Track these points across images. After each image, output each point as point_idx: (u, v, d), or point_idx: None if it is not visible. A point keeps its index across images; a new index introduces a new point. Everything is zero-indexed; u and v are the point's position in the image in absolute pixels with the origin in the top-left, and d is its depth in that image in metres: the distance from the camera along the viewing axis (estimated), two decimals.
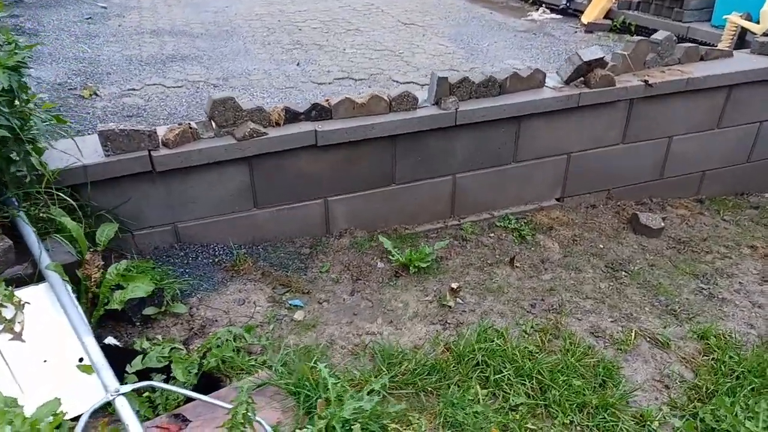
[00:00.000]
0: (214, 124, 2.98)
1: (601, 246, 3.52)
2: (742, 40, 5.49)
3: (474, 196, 3.68)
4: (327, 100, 3.20)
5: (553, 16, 7.83)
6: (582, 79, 3.74)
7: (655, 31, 6.66)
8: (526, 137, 3.61)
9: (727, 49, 4.74)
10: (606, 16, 7.16)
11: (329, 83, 4.55)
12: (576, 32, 7.05)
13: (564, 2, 7.69)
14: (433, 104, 3.35)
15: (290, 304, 2.84)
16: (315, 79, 4.63)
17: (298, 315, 2.77)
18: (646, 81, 4.01)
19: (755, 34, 5.28)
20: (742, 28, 5.37)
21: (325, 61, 5.28)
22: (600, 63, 3.70)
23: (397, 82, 4.72)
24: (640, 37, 4.29)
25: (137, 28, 6.42)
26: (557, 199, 3.95)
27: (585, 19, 7.29)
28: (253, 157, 3.05)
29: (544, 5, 8.38)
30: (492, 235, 3.55)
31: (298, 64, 5.07)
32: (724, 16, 5.48)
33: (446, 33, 6.82)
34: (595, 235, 3.65)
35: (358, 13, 7.67)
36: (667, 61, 4.23)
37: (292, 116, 3.11)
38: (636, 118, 3.89)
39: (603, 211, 3.95)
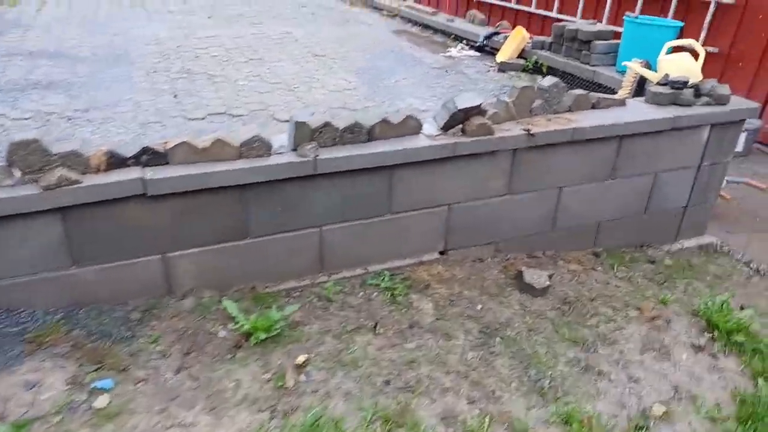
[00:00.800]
0: (17, 170, 2.51)
1: (480, 307, 3.22)
2: (641, 87, 5.48)
3: (345, 251, 3.33)
4: (164, 143, 2.79)
5: (471, 53, 7.76)
6: (461, 126, 3.49)
7: (565, 73, 6.69)
8: (401, 187, 3.30)
9: (620, 97, 4.67)
10: (520, 56, 7.12)
11: (201, 119, 4.17)
12: (489, 71, 6.96)
13: (481, 39, 7.64)
14: (292, 150, 3.01)
15: (94, 387, 2.37)
16: (188, 114, 4.23)
17: (101, 401, 2.30)
18: (527, 131, 3.82)
19: (652, 82, 5.28)
20: (641, 75, 5.36)
21: (208, 93, 4.89)
22: (477, 111, 3.47)
23: (278, 120, 4.38)
24: (524, 84, 4.13)
25: (13, 49, 5.85)
26: (440, 253, 3.66)
27: (499, 57, 7.24)
28: (70, 208, 2.59)
29: (464, 41, 8.33)
30: (361, 294, 3.20)
31: (174, 96, 4.66)
32: (624, 63, 5.48)
33: (356, 67, 6.58)
34: (476, 293, 3.36)
35: (269, 42, 7.35)
36: (556, 109, 4.06)
37: (117, 161, 2.68)
38: (521, 168, 3.67)
39: (490, 266, 3.68)
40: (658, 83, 5.00)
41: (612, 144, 4.07)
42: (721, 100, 4.28)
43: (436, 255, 3.64)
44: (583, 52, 6.22)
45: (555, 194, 3.94)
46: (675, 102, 4.48)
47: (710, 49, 5.88)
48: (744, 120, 4.23)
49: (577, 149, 3.88)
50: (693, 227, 4.40)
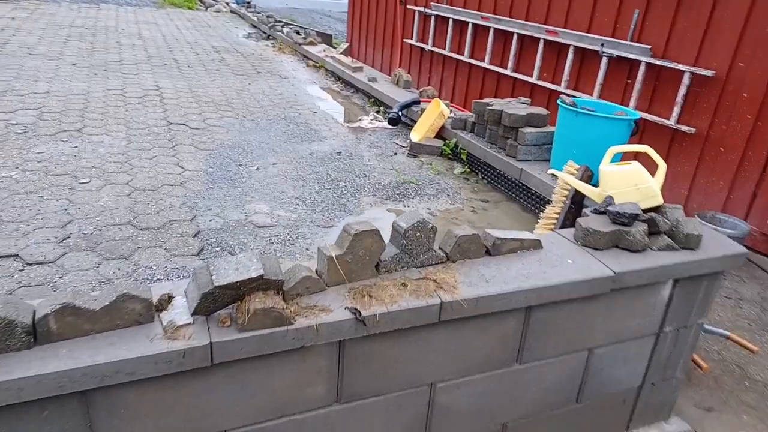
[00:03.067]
0: None
1: None
2: (579, 206, 3.86)
3: None
4: None
5: (385, 125, 6.17)
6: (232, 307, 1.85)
7: (487, 166, 5.07)
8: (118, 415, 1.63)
9: (535, 236, 3.04)
10: (439, 135, 5.54)
11: None
12: (395, 154, 5.34)
13: (395, 110, 6.05)
14: None
15: None
16: None
17: None
18: (356, 312, 2.21)
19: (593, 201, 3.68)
20: (576, 190, 3.76)
21: None
22: (258, 284, 1.84)
23: None
24: (358, 228, 2.50)
25: None
26: None
27: (413, 136, 5.64)
28: None
29: (382, 109, 6.75)
30: None
31: None
32: (550, 171, 3.87)
33: (215, 144, 4.93)
34: None
35: (120, 102, 5.69)
36: (424, 260, 2.45)
37: None
38: (356, 365, 2.04)
39: None
40: (596, 210, 3.39)
41: (515, 317, 2.47)
42: (689, 243, 2.72)
43: None
44: (509, 141, 4.64)
45: (423, 394, 2.29)
46: (619, 244, 2.95)
47: (685, 128, 4.33)
48: (722, 271, 2.66)
49: (454, 330, 2.26)
50: (653, 411, 2.83)
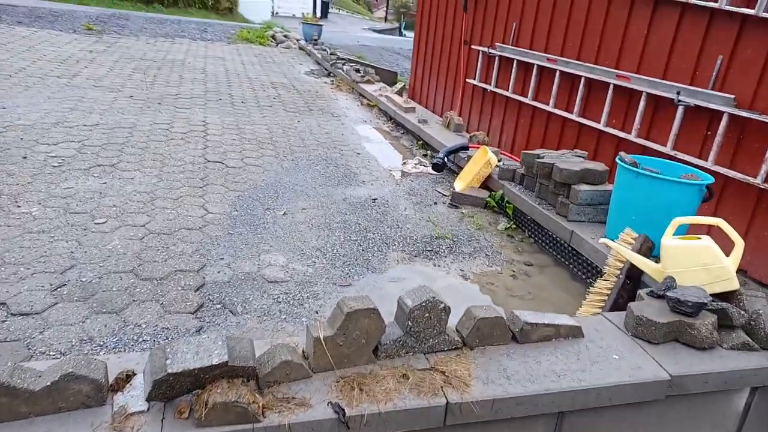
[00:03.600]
0: None
1: None
2: (636, 282, 3.29)
3: None
4: None
5: (430, 171, 5.80)
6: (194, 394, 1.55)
7: (534, 223, 4.53)
8: None
9: (574, 321, 2.54)
10: (485, 185, 5.10)
11: None
12: (435, 203, 4.95)
13: (441, 155, 5.67)
14: None
15: None
16: None
17: None
18: (339, 411, 1.92)
19: (651, 277, 3.12)
20: (631, 264, 3.20)
21: None
22: (224, 371, 1.58)
23: None
24: (353, 306, 2.13)
25: None
26: None
27: (457, 185, 5.24)
28: None
29: (429, 153, 6.41)
30: None
31: None
32: (602, 240, 3.33)
33: (247, 184, 4.75)
34: None
35: (163, 137, 5.66)
36: (433, 345, 2.10)
37: None
38: None
39: None
40: (653, 293, 2.86)
41: (544, 424, 2.07)
42: None
43: None
44: (560, 198, 4.14)
45: None
46: (680, 338, 2.47)
47: None
48: None
49: None
50: None
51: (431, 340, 2.36)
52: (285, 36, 16.90)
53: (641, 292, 2.86)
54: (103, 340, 2.63)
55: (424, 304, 2.29)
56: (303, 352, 2.28)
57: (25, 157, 4.64)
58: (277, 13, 29.02)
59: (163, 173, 4.75)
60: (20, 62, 8.31)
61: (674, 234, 3.04)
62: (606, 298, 3.26)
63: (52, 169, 4.47)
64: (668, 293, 2.68)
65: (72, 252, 3.32)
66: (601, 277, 3.39)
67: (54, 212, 3.77)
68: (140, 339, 2.69)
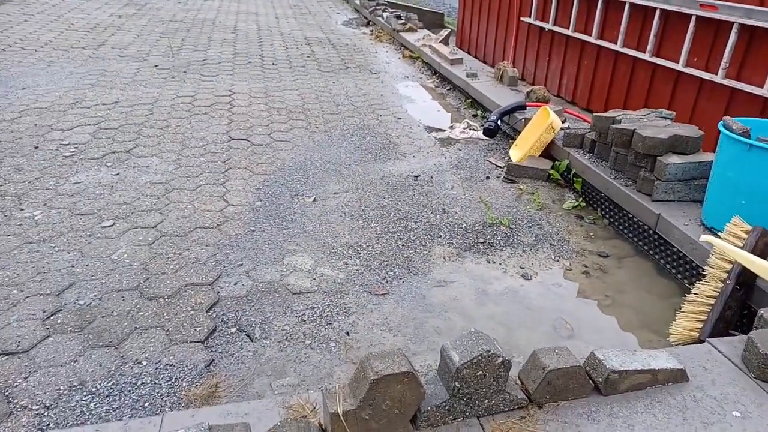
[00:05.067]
0: None
1: None
2: (749, 290, 2.57)
3: None
4: None
5: (480, 136, 5.08)
6: None
7: (610, 203, 3.74)
8: None
9: (668, 366, 1.91)
10: (546, 152, 4.36)
11: None
12: (488, 178, 4.27)
13: (493, 118, 4.91)
14: None
15: None
16: None
17: None
18: None
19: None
20: (743, 266, 2.48)
21: None
22: None
23: None
24: (380, 370, 1.59)
25: None
26: None
27: (513, 153, 4.52)
28: None
29: (479, 113, 5.65)
30: None
31: None
32: (704, 238, 2.60)
33: (273, 166, 4.23)
34: None
35: (187, 113, 5.17)
36: (490, 407, 1.65)
37: None
38: None
39: None
40: None
41: None
42: None
43: None
44: (642, 172, 3.38)
45: None
46: None
47: None
48: None
49: None
50: None
51: (487, 401, 1.81)
52: None
53: (765, 312, 2.18)
54: (95, 386, 2.23)
55: (476, 360, 1.72)
56: (320, 424, 1.78)
57: (36, 147, 4.29)
58: None
59: (181, 157, 4.29)
60: (47, 34, 7.98)
61: None
62: (709, 309, 2.58)
63: (62, 161, 4.10)
64: None
65: (72, 266, 2.93)
66: (701, 279, 2.69)
67: (59, 215, 3.40)
68: (139, 382, 2.27)
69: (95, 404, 2.16)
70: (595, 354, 1.96)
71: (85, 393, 2.20)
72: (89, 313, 2.62)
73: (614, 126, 3.54)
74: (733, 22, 3.66)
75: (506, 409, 1.84)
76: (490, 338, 1.81)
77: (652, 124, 3.52)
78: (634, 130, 3.39)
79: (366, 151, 4.67)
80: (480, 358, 1.73)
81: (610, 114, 3.78)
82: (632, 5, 4.59)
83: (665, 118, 3.64)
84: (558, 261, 3.28)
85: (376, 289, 2.97)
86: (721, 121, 2.89)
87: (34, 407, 2.13)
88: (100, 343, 2.45)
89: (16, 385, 2.21)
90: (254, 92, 5.99)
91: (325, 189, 3.98)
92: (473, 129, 5.24)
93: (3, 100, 5.22)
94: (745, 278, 2.53)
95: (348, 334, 2.64)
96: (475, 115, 5.70)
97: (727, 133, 2.80)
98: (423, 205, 3.82)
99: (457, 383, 1.75)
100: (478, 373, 1.75)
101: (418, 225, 3.57)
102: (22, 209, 3.45)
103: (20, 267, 2.91)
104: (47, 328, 2.51)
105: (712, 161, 3.07)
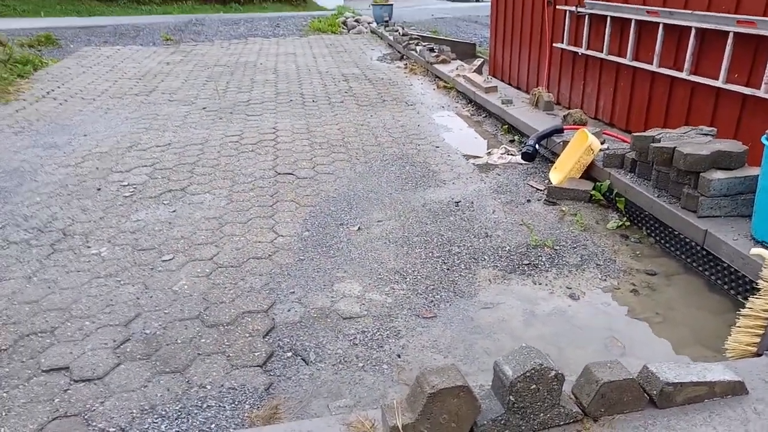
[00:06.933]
0: None
1: None
2: None
3: None
4: None
5: (519, 160, 5.15)
6: None
7: (654, 221, 3.71)
8: None
9: (725, 378, 1.91)
10: (587, 174, 4.39)
11: None
12: (529, 201, 4.32)
13: (531, 142, 4.98)
14: None
15: None
16: None
17: None
18: None
19: None
20: None
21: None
22: None
23: None
24: (437, 384, 1.66)
25: None
26: None
27: (553, 176, 4.56)
28: None
29: (517, 138, 5.73)
30: None
31: None
32: (754, 251, 2.58)
33: (319, 197, 4.39)
34: None
35: (234, 151, 5.44)
36: (545, 421, 1.71)
37: None
38: None
39: None
40: None
41: None
42: None
43: None
44: (686, 189, 3.38)
45: None
46: None
47: None
48: None
49: None
50: None
51: (542, 414, 1.85)
52: (356, 21, 16.48)
53: None
54: (165, 409, 2.37)
55: (529, 374, 1.78)
56: None
57: (99, 189, 4.59)
58: None
59: (233, 193, 4.51)
60: (103, 84, 8.54)
61: None
62: (765, 323, 2.53)
63: (123, 200, 4.37)
64: None
65: (138, 298, 3.12)
66: (755, 293, 2.66)
67: (122, 251, 3.63)
68: (205, 404, 2.40)
69: (165, 426, 2.29)
70: (648, 367, 1.98)
71: (156, 416, 2.34)
72: (155, 342, 2.78)
73: (654, 145, 3.56)
74: None
75: (561, 423, 1.87)
76: (541, 353, 1.86)
77: (693, 141, 3.53)
78: (675, 147, 3.41)
79: (406, 179, 4.79)
80: (533, 371, 1.78)
81: (649, 133, 3.80)
82: (666, 26, 4.64)
83: (706, 134, 3.64)
84: (605, 280, 3.28)
85: (423, 312, 3.04)
86: (765, 134, 2.88)
87: (111, 429, 2.28)
88: (167, 369, 2.60)
89: (94, 409, 2.37)
90: (296, 129, 6.25)
91: (369, 217, 4.11)
92: (511, 154, 5.31)
93: (67, 147, 5.62)
94: None
95: (399, 356, 2.72)
96: (512, 141, 5.78)
97: None
98: (465, 229, 3.90)
99: (511, 397, 1.80)
100: (531, 387, 1.80)
101: (461, 249, 3.64)
102: (89, 247, 3.71)
103: (90, 300, 3.12)
104: (118, 356, 2.68)
105: (758, 175, 3.05)
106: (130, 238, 3.80)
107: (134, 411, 2.37)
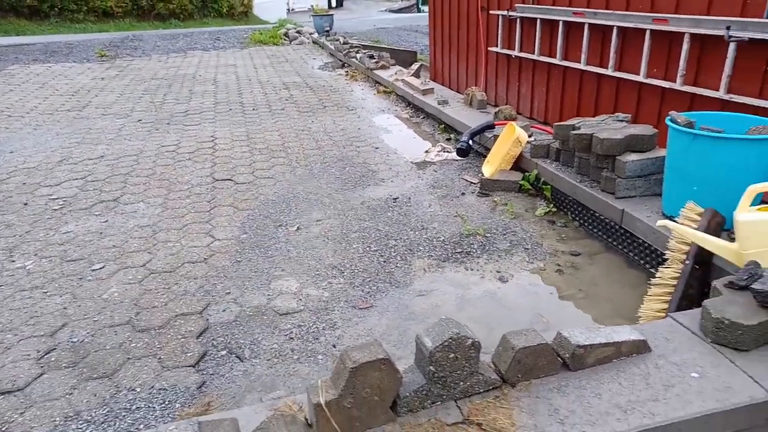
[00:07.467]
0: None
1: None
2: (707, 266, 2.72)
3: None
4: None
5: (455, 157, 5.29)
6: None
7: (578, 205, 3.90)
8: None
9: (630, 338, 2.03)
10: (516, 166, 4.56)
11: None
12: (463, 194, 4.45)
13: (464, 139, 5.14)
14: None
15: None
16: None
17: None
18: None
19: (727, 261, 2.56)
20: (699, 246, 2.63)
21: None
22: None
23: None
24: (358, 358, 1.70)
25: None
26: None
27: (485, 169, 4.71)
28: None
29: (453, 137, 5.89)
30: None
31: None
32: (660, 222, 2.76)
33: (257, 200, 4.37)
34: None
35: (170, 160, 5.35)
36: (465, 389, 1.68)
37: None
38: None
39: None
40: (732, 284, 2.32)
41: None
42: None
43: None
44: (605, 172, 3.57)
45: None
46: None
47: None
48: None
49: None
50: None
51: (462, 383, 1.92)
52: (297, 32, 16.51)
53: (717, 283, 2.31)
54: (90, 414, 2.31)
55: (447, 343, 1.84)
56: (306, 419, 1.88)
57: (25, 204, 4.43)
58: (292, 9, 28.65)
59: (168, 201, 4.44)
60: (33, 101, 8.24)
61: (750, 205, 2.47)
62: (672, 289, 2.71)
63: (52, 214, 4.24)
64: (754, 286, 2.13)
65: (65, 308, 3.03)
66: (664, 263, 2.84)
67: (50, 263, 3.51)
68: (134, 407, 2.35)
69: (91, 430, 2.23)
70: (561, 333, 2.08)
71: (80, 422, 2.28)
72: (83, 349, 2.71)
73: (574, 132, 3.74)
74: (684, 33, 3.90)
75: (481, 390, 1.94)
76: (459, 323, 1.93)
77: (609, 127, 3.73)
78: (593, 134, 3.60)
79: (346, 180, 4.84)
80: (450, 340, 1.84)
81: (569, 122, 3.99)
82: (591, 26, 4.87)
83: (621, 120, 3.85)
84: (532, 263, 3.41)
85: (360, 303, 3.08)
86: (668, 116, 3.09)
87: None
88: (94, 375, 2.53)
89: (12, 421, 2.29)
90: (236, 136, 6.21)
91: (308, 218, 4.13)
92: (447, 151, 5.46)
93: None
94: (702, 257, 2.67)
95: (335, 346, 2.74)
96: (448, 139, 5.93)
97: (674, 126, 3.00)
98: (402, 224, 3.97)
99: (431, 367, 1.86)
100: (450, 356, 1.86)
101: (398, 242, 3.71)
102: (14, 261, 3.57)
103: (13, 313, 3.00)
104: (42, 366, 2.59)
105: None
106: (58, 250, 3.68)
107: (57, 419, 2.29)
